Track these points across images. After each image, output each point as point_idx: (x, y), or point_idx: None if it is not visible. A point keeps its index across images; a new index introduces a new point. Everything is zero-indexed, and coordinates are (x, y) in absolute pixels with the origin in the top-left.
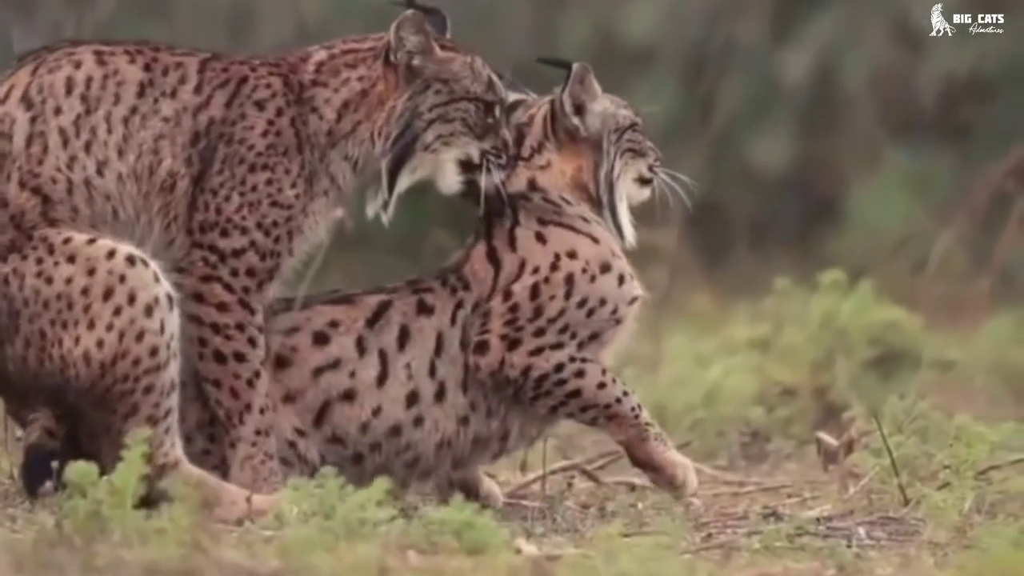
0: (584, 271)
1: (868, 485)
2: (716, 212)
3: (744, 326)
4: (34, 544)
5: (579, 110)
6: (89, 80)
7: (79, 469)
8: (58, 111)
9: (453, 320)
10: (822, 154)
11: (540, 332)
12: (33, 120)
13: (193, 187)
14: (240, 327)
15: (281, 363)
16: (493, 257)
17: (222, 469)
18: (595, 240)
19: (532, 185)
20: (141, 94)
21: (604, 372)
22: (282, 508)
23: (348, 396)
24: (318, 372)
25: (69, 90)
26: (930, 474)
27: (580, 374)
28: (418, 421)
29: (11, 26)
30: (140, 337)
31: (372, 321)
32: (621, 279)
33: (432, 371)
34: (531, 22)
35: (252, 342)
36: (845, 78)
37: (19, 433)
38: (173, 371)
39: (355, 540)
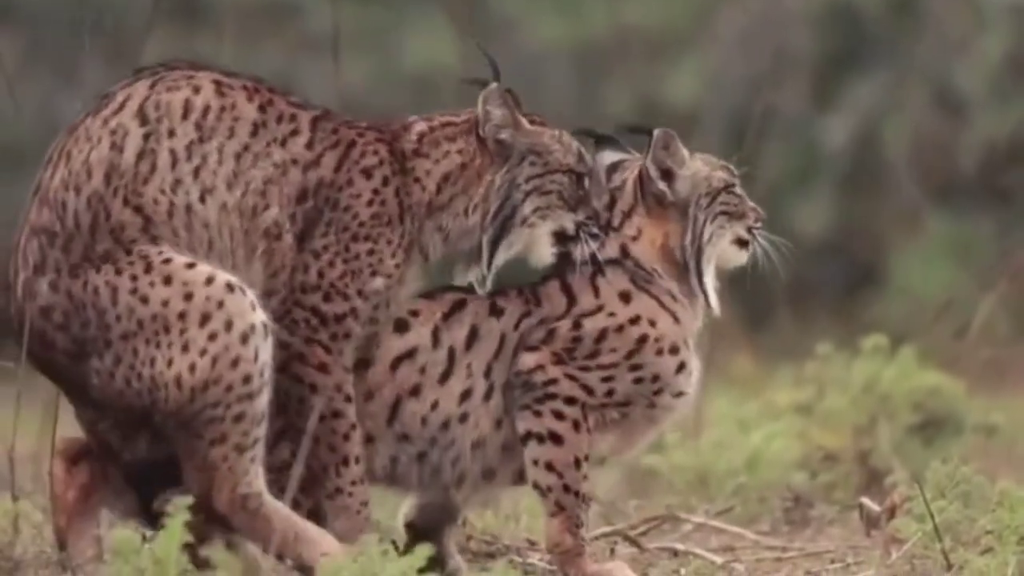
0: (656, 341)
1: (911, 550)
2: (757, 277)
3: (786, 391)
4: None
5: (667, 175)
6: (207, 108)
7: (122, 536)
8: (172, 133)
9: (517, 325)
10: (863, 219)
11: (585, 368)
12: (146, 137)
13: (297, 245)
14: (338, 387)
15: (364, 363)
16: (568, 291)
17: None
18: (676, 320)
19: (624, 252)
20: (255, 134)
21: (586, 458)
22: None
23: (415, 391)
24: (396, 363)
25: (186, 114)
26: (973, 539)
27: (576, 427)
28: (463, 417)
29: (54, 90)
30: (234, 364)
31: (447, 316)
32: (681, 367)
33: (488, 372)
34: (575, 89)
35: (349, 399)
36: (886, 144)
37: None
38: (264, 401)
39: None
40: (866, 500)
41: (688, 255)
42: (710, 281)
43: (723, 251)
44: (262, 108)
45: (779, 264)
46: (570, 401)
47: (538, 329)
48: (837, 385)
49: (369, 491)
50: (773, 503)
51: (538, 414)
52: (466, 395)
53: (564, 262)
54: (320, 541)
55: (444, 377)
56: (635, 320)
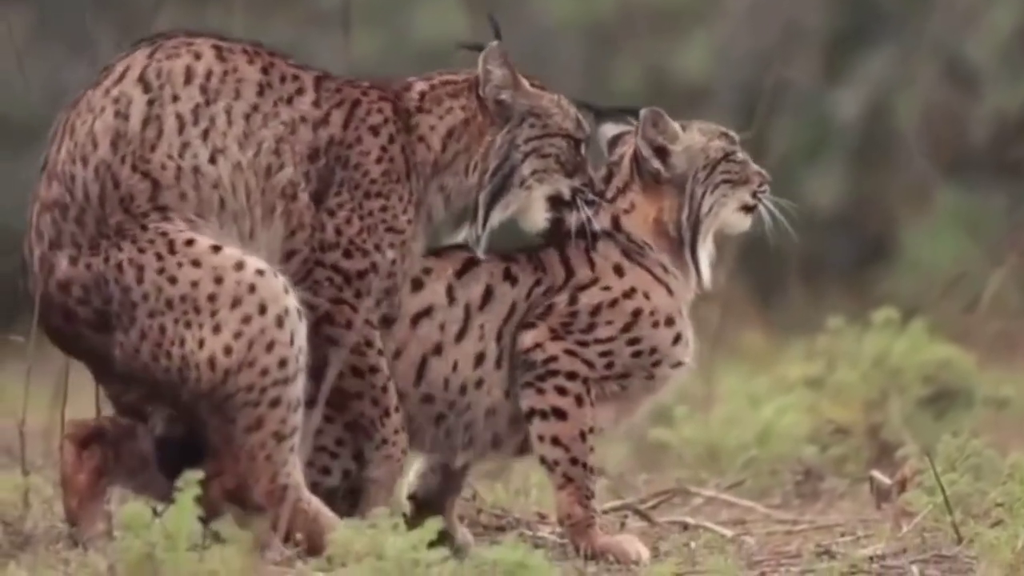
0: (651, 314)
1: (921, 523)
2: (768, 250)
3: (797, 365)
4: None
5: (661, 152)
6: (209, 72)
7: (131, 511)
8: (176, 98)
9: (528, 294)
10: (874, 192)
11: (583, 344)
12: (150, 103)
13: (314, 204)
14: (369, 343)
15: (387, 321)
16: (566, 263)
17: None
18: (670, 292)
19: (616, 224)
20: (261, 94)
21: (591, 430)
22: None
23: (438, 350)
24: (416, 320)
25: (188, 79)
26: (983, 512)
27: (579, 401)
28: (479, 383)
29: (64, 64)
30: (270, 347)
31: (460, 273)
32: (677, 339)
33: (499, 337)
34: (584, 63)
35: (381, 353)
36: (897, 117)
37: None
38: (300, 386)
39: None
40: (877, 473)
41: (684, 229)
42: (704, 255)
43: (726, 219)
44: (264, 70)
45: (788, 227)
46: (571, 376)
47: (540, 301)
48: (848, 359)
49: (406, 437)
50: (784, 476)
51: (541, 391)
52: (480, 358)
53: (557, 228)
54: None
55: (460, 335)
56: (630, 293)
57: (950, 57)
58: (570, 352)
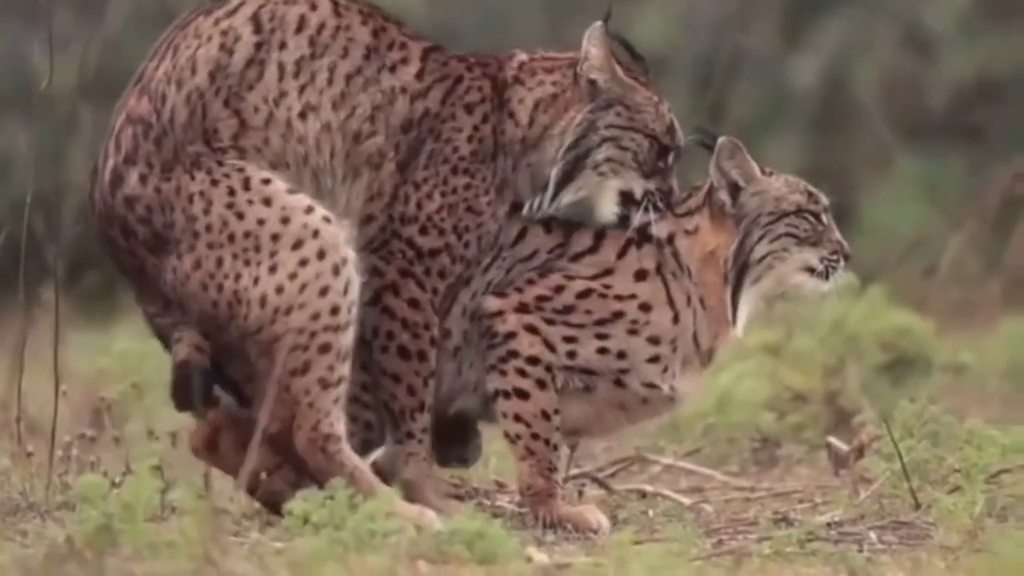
0: (634, 323)
1: (879, 489)
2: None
3: (755, 332)
4: (45, 559)
5: (734, 187)
6: (322, 25)
7: (89, 483)
8: (283, 46)
9: (551, 250)
10: (833, 159)
11: (550, 322)
12: (258, 46)
13: (399, 174)
14: (427, 327)
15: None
16: (598, 236)
17: None
18: (676, 320)
19: (670, 239)
20: (367, 57)
21: (556, 412)
22: (427, 522)
23: (467, 282)
24: None
25: (300, 28)
26: (941, 478)
27: (541, 385)
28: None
29: (21, 38)
30: (323, 293)
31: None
32: (656, 360)
33: (509, 270)
34: (543, 29)
35: (433, 342)
36: (855, 83)
37: (30, 448)
38: (350, 338)
39: (365, 551)
40: (834, 440)
41: (730, 267)
42: (747, 300)
43: (790, 276)
44: (375, 33)
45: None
46: (532, 360)
47: (553, 266)
48: (806, 326)
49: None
50: (742, 444)
51: (503, 373)
52: (489, 286)
53: (622, 225)
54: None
55: (487, 268)
56: (626, 298)
57: (908, 24)
58: (531, 329)
